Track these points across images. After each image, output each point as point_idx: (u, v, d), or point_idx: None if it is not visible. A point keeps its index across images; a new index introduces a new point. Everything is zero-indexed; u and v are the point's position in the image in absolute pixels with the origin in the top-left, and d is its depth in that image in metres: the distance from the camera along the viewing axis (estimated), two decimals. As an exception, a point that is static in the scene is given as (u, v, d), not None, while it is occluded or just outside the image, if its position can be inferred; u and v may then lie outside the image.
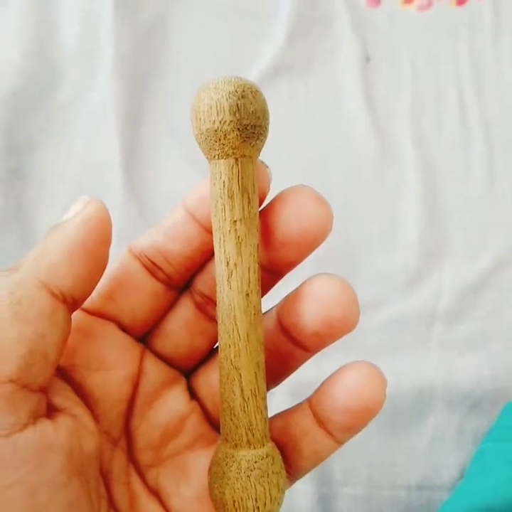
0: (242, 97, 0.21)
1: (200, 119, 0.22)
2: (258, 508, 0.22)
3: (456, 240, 0.56)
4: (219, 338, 0.23)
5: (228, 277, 0.22)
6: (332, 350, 0.25)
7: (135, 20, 0.58)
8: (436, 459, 0.52)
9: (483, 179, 0.58)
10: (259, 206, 0.23)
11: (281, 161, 0.56)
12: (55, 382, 0.23)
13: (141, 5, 0.59)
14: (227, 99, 0.21)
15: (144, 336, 0.25)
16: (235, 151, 0.21)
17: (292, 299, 0.24)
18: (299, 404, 0.25)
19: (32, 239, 0.54)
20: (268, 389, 0.25)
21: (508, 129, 0.59)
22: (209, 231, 0.23)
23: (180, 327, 0.25)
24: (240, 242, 0.22)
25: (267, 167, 0.24)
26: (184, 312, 0.25)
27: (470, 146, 0.58)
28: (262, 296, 0.24)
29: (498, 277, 0.56)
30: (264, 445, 0.23)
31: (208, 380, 0.26)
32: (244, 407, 0.22)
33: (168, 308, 0.25)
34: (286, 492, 0.24)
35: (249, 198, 0.22)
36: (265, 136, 0.22)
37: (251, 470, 0.22)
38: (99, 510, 0.23)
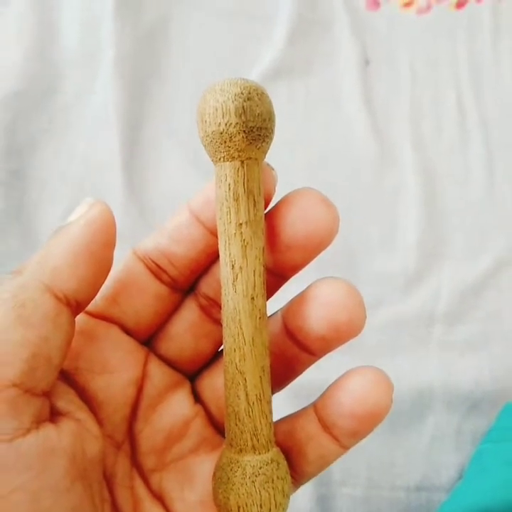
0: (248, 99, 0.21)
1: (205, 121, 0.21)
2: None
3: (455, 242, 0.56)
4: (224, 342, 0.22)
5: (233, 281, 0.22)
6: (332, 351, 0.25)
7: (136, 22, 0.58)
8: (435, 459, 0.52)
9: (482, 181, 0.57)
10: (265, 209, 0.23)
11: (280, 163, 0.56)
12: (58, 385, 0.22)
13: (142, 7, 0.58)
14: (233, 102, 0.21)
15: (148, 339, 0.25)
16: (240, 153, 0.21)
17: (298, 302, 0.23)
18: (304, 409, 0.25)
19: (33, 240, 0.53)
20: (273, 393, 0.24)
21: (507, 131, 0.58)
22: (214, 233, 0.23)
23: (184, 330, 0.25)
24: (246, 245, 0.21)
25: (273, 169, 0.23)
26: (189, 315, 0.25)
27: (469, 148, 0.58)
28: (267, 300, 0.23)
29: (498, 279, 0.55)
30: (269, 450, 0.22)
31: (213, 383, 0.25)
32: (249, 412, 0.22)
33: (172, 311, 0.25)
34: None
35: (254, 200, 0.22)
36: (271, 139, 0.22)
37: (256, 475, 0.22)
38: None
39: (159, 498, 0.24)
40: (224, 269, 0.22)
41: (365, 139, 0.58)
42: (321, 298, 0.23)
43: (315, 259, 0.24)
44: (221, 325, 0.23)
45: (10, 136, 0.55)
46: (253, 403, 0.22)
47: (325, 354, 0.24)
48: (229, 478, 0.22)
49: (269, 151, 0.23)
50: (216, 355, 0.26)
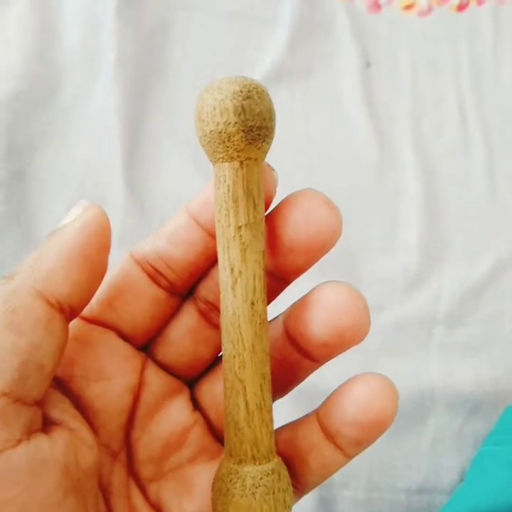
0: (248, 97, 0.19)
1: (203, 120, 0.20)
2: None
3: (456, 244, 0.55)
4: (223, 348, 0.21)
5: (232, 285, 0.20)
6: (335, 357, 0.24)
7: (137, 24, 0.57)
8: (436, 461, 0.51)
9: (483, 183, 0.57)
10: (265, 210, 0.22)
11: (281, 165, 0.55)
12: (51, 393, 0.21)
13: (144, 9, 0.57)
14: (231, 100, 0.19)
15: (146, 344, 0.24)
16: (239, 153, 0.20)
17: (299, 307, 0.22)
18: (306, 416, 0.23)
19: (33, 241, 0.52)
20: (274, 400, 0.23)
21: (508, 133, 0.58)
22: (213, 236, 0.21)
23: (183, 335, 0.24)
24: (245, 249, 0.20)
25: (274, 170, 0.22)
26: (187, 320, 0.24)
27: (470, 150, 0.57)
28: (268, 304, 0.22)
29: (498, 281, 0.55)
30: (269, 460, 0.21)
31: (212, 389, 0.24)
32: (248, 421, 0.21)
33: (170, 315, 0.24)
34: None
35: (254, 202, 0.20)
36: (271, 138, 0.21)
37: (256, 487, 0.21)
38: None
39: (157, 508, 0.23)
40: (223, 273, 0.21)
41: (366, 141, 0.57)
42: (323, 302, 0.21)
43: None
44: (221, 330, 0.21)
45: (10, 137, 0.54)
46: (253, 412, 0.21)
47: (328, 360, 0.23)
48: (228, 490, 0.21)
49: (269, 151, 0.21)
50: (216, 361, 0.25)
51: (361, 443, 0.22)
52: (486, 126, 0.58)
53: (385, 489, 0.50)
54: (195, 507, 0.23)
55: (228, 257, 0.20)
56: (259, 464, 0.21)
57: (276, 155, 0.55)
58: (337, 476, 0.50)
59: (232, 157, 0.20)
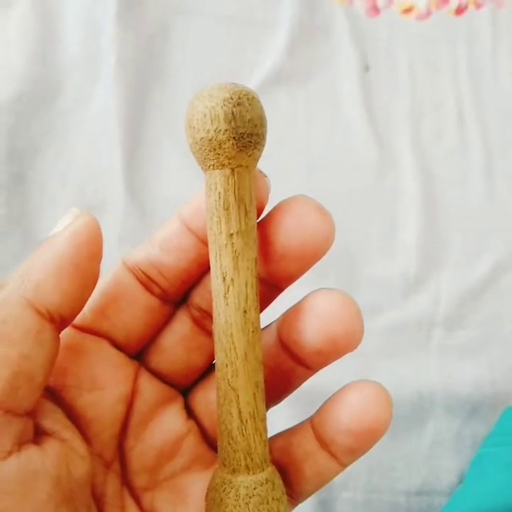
0: (238, 104, 0.19)
1: (194, 127, 0.19)
2: None
3: (455, 246, 0.55)
4: (216, 357, 0.21)
5: (225, 293, 0.20)
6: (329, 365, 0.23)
7: (137, 27, 0.57)
8: (435, 463, 0.51)
9: (482, 185, 0.56)
10: (258, 217, 0.21)
11: (280, 168, 0.55)
12: (43, 403, 0.20)
13: (144, 13, 0.57)
14: (221, 107, 0.19)
15: (139, 352, 0.23)
16: (230, 161, 0.19)
17: (292, 314, 0.22)
18: (301, 424, 0.23)
19: (34, 244, 0.52)
20: (268, 408, 0.23)
21: (506, 135, 0.57)
22: (205, 243, 0.21)
23: (176, 343, 0.23)
24: (237, 257, 0.20)
25: (266, 176, 0.21)
26: (180, 327, 0.23)
27: (468, 153, 0.57)
28: (261, 311, 0.21)
29: (497, 283, 0.54)
30: (263, 470, 0.21)
31: (206, 397, 0.24)
32: (242, 430, 0.20)
33: (163, 323, 0.23)
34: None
35: (246, 209, 0.20)
36: (263, 145, 0.20)
37: (250, 497, 0.20)
38: None
39: None
40: (215, 281, 0.20)
41: (365, 144, 0.57)
42: (316, 310, 0.21)
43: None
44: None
45: (11, 140, 0.54)
46: (246, 421, 0.20)
47: (322, 368, 0.22)
48: (222, 500, 0.20)
49: (264, 156, 0.21)
50: (210, 369, 0.24)
51: (356, 451, 0.22)
52: (485, 128, 0.57)
53: (384, 491, 0.50)
54: None
55: (220, 264, 0.20)
56: (253, 473, 0.20)
57: (276, 158, 0.55)
58: (336, 478, 0.49)
59: (223, 164, 0.19)
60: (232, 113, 0.19)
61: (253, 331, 0.20)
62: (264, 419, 0.21)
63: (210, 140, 0.19)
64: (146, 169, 0.55)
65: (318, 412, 0.22)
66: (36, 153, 0.54)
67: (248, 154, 0.19)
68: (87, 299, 0.20)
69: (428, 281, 0.54)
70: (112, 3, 0.56)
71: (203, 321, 0.23)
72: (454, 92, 0.58)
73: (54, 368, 0.20)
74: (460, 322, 0.53)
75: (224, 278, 0.20)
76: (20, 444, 0.18)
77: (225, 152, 0.19)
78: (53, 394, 0.21)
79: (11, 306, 0.18)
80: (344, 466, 0.22)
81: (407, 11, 0.60)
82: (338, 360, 0.22)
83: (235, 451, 0.20)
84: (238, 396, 0.20)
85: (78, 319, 0.21)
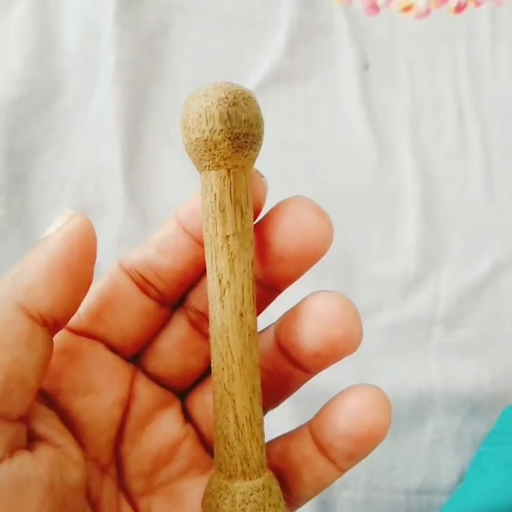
0: (234, 104, 0.18)
1: (189, 127, 0.19)
2: None
3: (454, 246, 0.55)
4: (212, 361, 0.20)
5: (221, 296, 0.19)
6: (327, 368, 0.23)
7: (136, 28, 0.56)
8: (435, 462, 0.50)
9: (482, 185, 0.56)
10: (255, 218, 0.20)
11: (279, 168, 0.54)
12: (37, 408, 0.20)
13: (143, 13, 0.57)
14: (217, 107, 0.18)
15: (135, 356, 0.23)
16: (226, 161, 0.19)
17: (290, 317, 0.21)
18: (299, 429, 0.22)
19: (34, 244, 0.51)
20: (266, 411, 0.22)
21: (506, 134, 0.57)
22: (202, 244, 0.20)
23: (173, 346, 0.22)
24: (233, 259, 0.19)
25: (263, 177, 0.21)
26: (177, 330, 0.22)
27: (468, 152, 0.57)
28: (258, 314, 0.21)
29: (497, 282, 0.54)
30: (260, 475, 0.20)
31: (204, 401, 0.23)
32: (238, 435, 0.20)
33: (160, 326, 0.22)
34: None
35: (242, 211, 0.19)
36: (259, 145, 0.20)
37: (246, 503, 0.20)
38: None
39: None
40: (211, 283, 0.20)
41: (364, 143, 0.57)
42: (314, 312, 0.20)
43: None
44: None
45: (11, 141, 0.53)
46: (243, 426, 0.20)
47: (320, 371, 0.22)
48: (218, 506, 0.20)
49: (263, 155, 0.20)
50: (207, 372, 0.23)
51: (354, 456, 0.21)
52: (484, 128, 0.57)
53: (384, 490, 0.49)
54: None
55: (216, 267, 0.19)
56: (250, 479, 0.20)
57: (275, 157, 0.54)
58: (336, 478, 0.49)
59: (219, 165, 0.19)
60: (228, 113, 0.18)
61: (250, 335, 0.20)
62: (261, 424, 0.20)
63: (206, 140, 0.18)
64: (146, 170, 0.55)
65: (316, 416, 0.22)
66: (36, 154, 0.54)
67: (244, 155, 0.19)
68: (81, 301, 0.20)
69: (427, 280, 0.54)
70: (111, 3, 0.56)
71: (200, 324, 0.22)
72: (454, 90, 0.58)
73: (48, 372, 0.20)
74: (459, 321, 0.53)
75: (220, 281, 0.19)
76: (12, 450, 0.18)
77: (220, 153, 0.19)
78: (48, 398, 0.21)
79: (3, 309, 0.18)
80: (343, 471, 0.22)
81: (407, 9, 0.59)
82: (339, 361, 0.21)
83: (231, 457, 0.20)
84: (234, 400, 0.20)
85: (73, 322, 0.21)
